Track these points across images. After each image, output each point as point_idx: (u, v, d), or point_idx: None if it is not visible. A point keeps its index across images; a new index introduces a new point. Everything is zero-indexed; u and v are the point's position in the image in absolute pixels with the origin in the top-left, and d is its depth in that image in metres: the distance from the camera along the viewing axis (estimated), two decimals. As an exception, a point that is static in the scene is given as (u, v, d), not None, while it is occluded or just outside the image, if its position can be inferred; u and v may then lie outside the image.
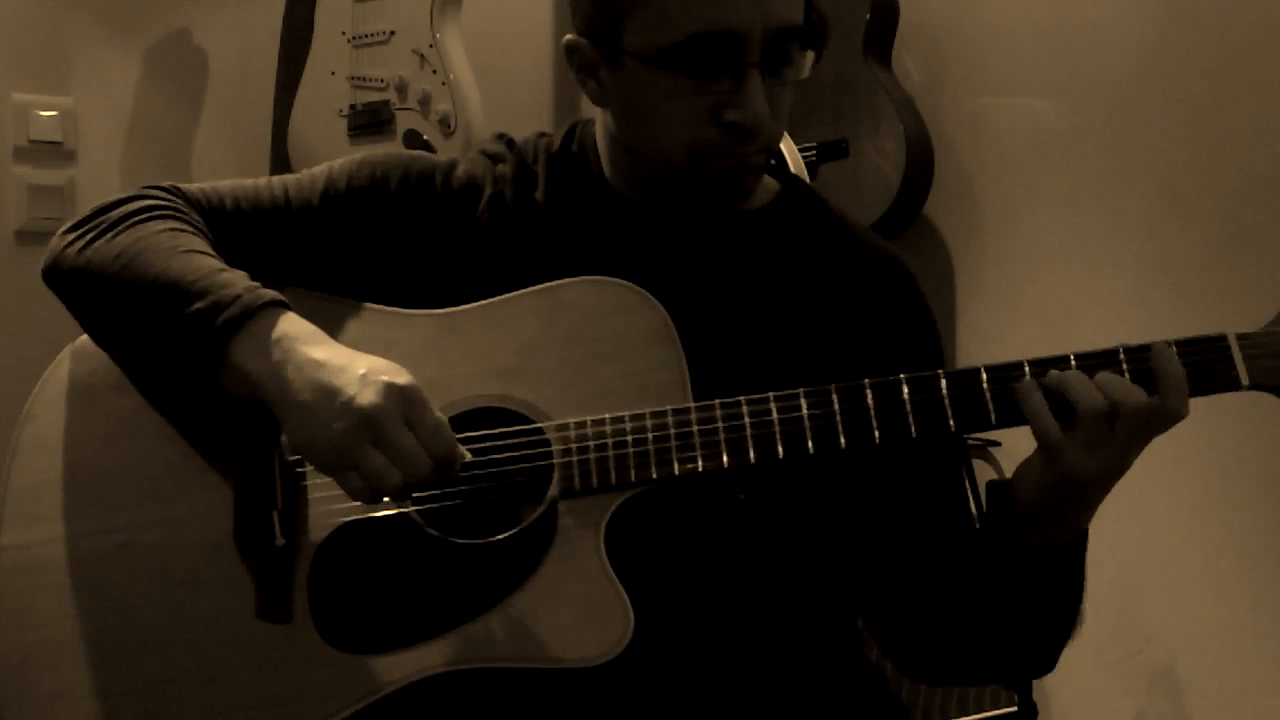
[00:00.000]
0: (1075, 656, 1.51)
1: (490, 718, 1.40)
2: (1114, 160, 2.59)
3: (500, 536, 1.39)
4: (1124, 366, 1.37)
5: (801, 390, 1.39)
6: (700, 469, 1.38)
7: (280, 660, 1.39)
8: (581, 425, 1.39)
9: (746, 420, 1.38)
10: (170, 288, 1.40)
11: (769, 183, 1.60)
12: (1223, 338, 1.37)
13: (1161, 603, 2.48)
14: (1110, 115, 2.60)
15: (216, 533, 1.43)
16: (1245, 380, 1.37)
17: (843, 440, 1.38)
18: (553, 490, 1.39)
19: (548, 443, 1.40)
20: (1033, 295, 2.72)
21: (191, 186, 1.55)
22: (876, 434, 1.38)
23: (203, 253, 1.44)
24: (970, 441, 2.32)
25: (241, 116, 3.21)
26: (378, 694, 1.37)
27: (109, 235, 1.46)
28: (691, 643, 1.44)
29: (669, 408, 1.39)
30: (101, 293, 1.45)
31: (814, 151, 2.76)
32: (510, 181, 1.56)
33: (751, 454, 1.38)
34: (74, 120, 3.11)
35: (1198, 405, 1.37)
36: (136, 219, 1.48)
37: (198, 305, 1.38)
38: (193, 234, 1.47)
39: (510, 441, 1.41)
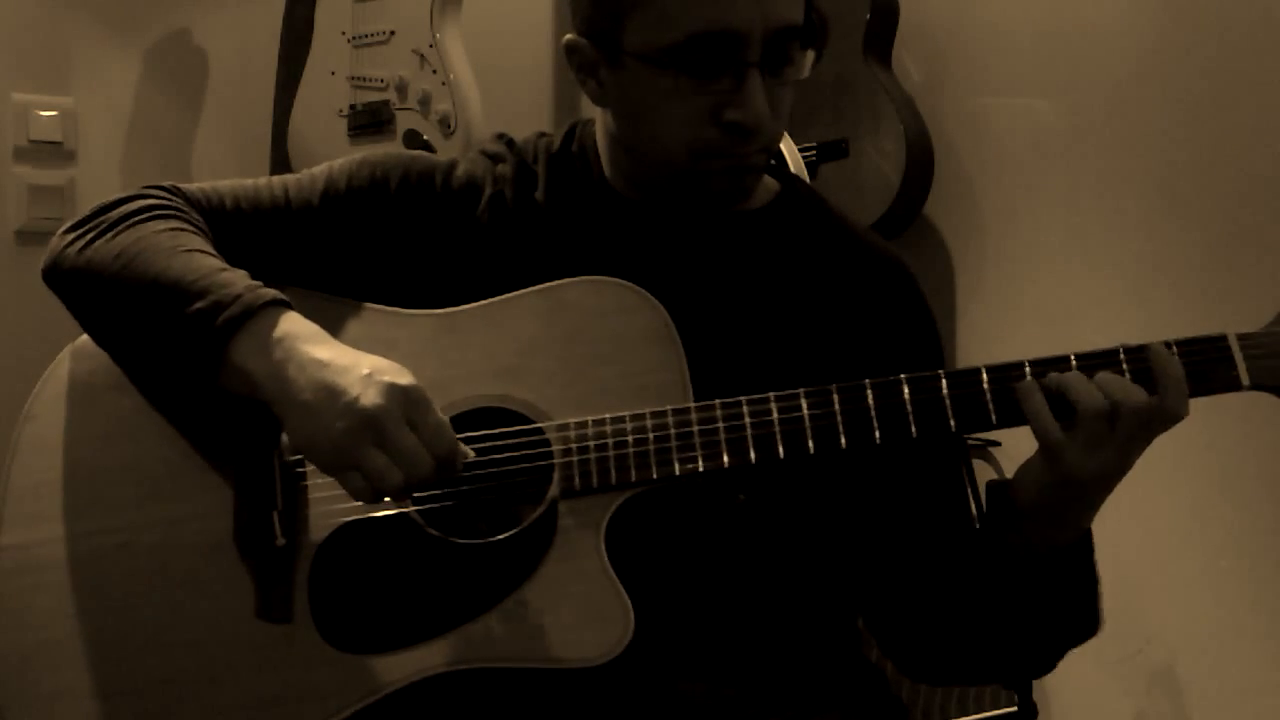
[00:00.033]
0: (1075, 656, 1.51)
1: (490, 718, 1.40)
2: (1114, 160, 2.59)
3: (500, 536, 1.39)
4: (1124, 367, 1.37)
5: (802, 390, 1.39)
6: (701, 469, 1.38)
7: (280, 660, 1.39)
8: (582, 425, 1.39)
9: (747, 420, 1.38)
10: (170, 287, 1.40)
11: (769, 183, 1.60)
12: (1223, 338, 1.37)
13: (1161, 603, 2.48)
14: (1110, 115, 2.60)
15: (216, 533, 1.43)
16: (1246, 380, 1.37)
17: (843, 440, 1.38)
18: (553, 490, 1.39)
19: (548, 443, 1.40)
20: (1033, 295, 2.72)
21: (191, 186, 1.55)
22: (877, 434, 1.38)
23: (203, 252, 1.44)
24: (970, 441, 2.32)
25: (241, 116, 3.21)
26: (378, 694, 1.37)
27: (109, 235, 1.46)
28: (691, 643, 1.44)
29: (669, 408, 1.39)
30: (102, 292, 1.45)
31: (814, 151, 2.76)
32: (510, 181, 1.56)
33: (752, 454, 1.38)
34: (74, 120, 3.11)
35: (1198, 405, 1.37)
36: (136, 219, 1.48)
37: (198, 304, 1.38)
38: (193, 233, 1.47)
39: (510, 441, 1.41)
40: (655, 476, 1.38)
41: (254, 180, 1.57)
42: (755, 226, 1.56)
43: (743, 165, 1.48)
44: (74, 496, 1.46)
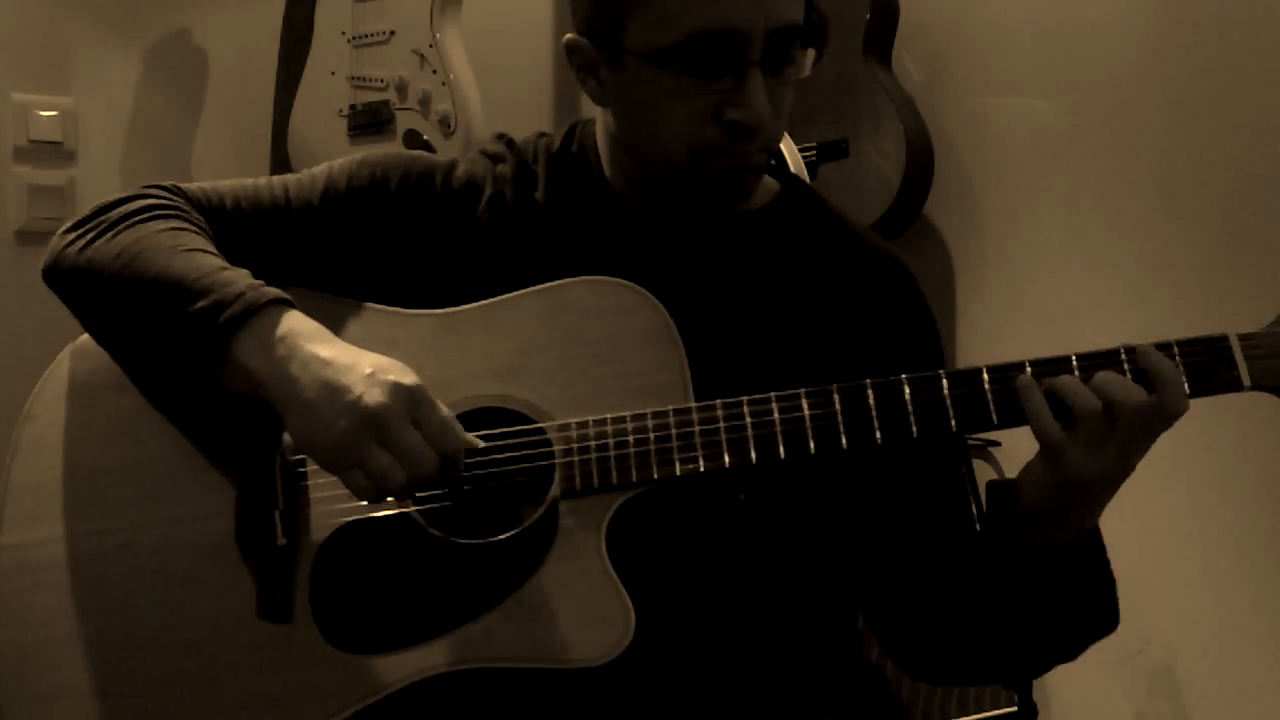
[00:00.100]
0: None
1: (491, 718, 1.40)
2: (1114, 160, 2.59)
3: (501, 537, 1.39)
4: (1125, 367, 1.37)
5: (803, 390, 1.39)
6: (701, 469, 1.38)
7: (281, 660, 1.39)
8: (583, 425, 1.39)
9: (748, 420, 1.38)
10: (172, 286, 1.40)
11: (769, 183, 1.60)
12: (1224, 338, 1.37)
13: (1161, 603, 2.48)
14: (1110, 115, 2.60)
15: (217, 532, 1.43)
16: (1247, 381, 1.37)
17: (844, 440, 1.38)
18: (554, 490, 1.39)
19: (549, 443, 1.40)
20: (1033, 295, 2.72)
21: (191, 186, 1.55)
22: (878, 434, 1.38)
23: (204, 251, 1.44)
24: (970, 442, 2.32)
25: (241, 116, 3.21)
26: (378, 694, 1.37)
27: (109, 234, 1.46)
28: (692, 643, 1.44)
29: (670, 408, 1.39)
30: (102, 292, 1.45)
31: (814, 151, 2.76)
32: (510, 181, 1.56)
33: (753, 454, 1.38)
34: (74, 120, 3.11)
35: (1199, 405, 1.36)
36: (137, 218, 1.48)
37: (200, 303, 1.38)
38: (194, 233, 1.47)
39: (511, 441, 1.41)
40: (656, 476, 1.38)
41: (254, 180, 1.57)
42: (755, 226, 1.56)
43: (743, 165, 1.48)
44: (74, 496, 1.46)
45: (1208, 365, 1.37)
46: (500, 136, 1.62)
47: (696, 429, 1.38)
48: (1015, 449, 1.44)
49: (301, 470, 1.43)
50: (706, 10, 1.40)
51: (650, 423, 1.39)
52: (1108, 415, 1.34)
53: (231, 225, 1.52)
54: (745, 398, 1.39)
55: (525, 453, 1.41)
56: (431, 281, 1.51)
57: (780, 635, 1.49)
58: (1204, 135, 2.47)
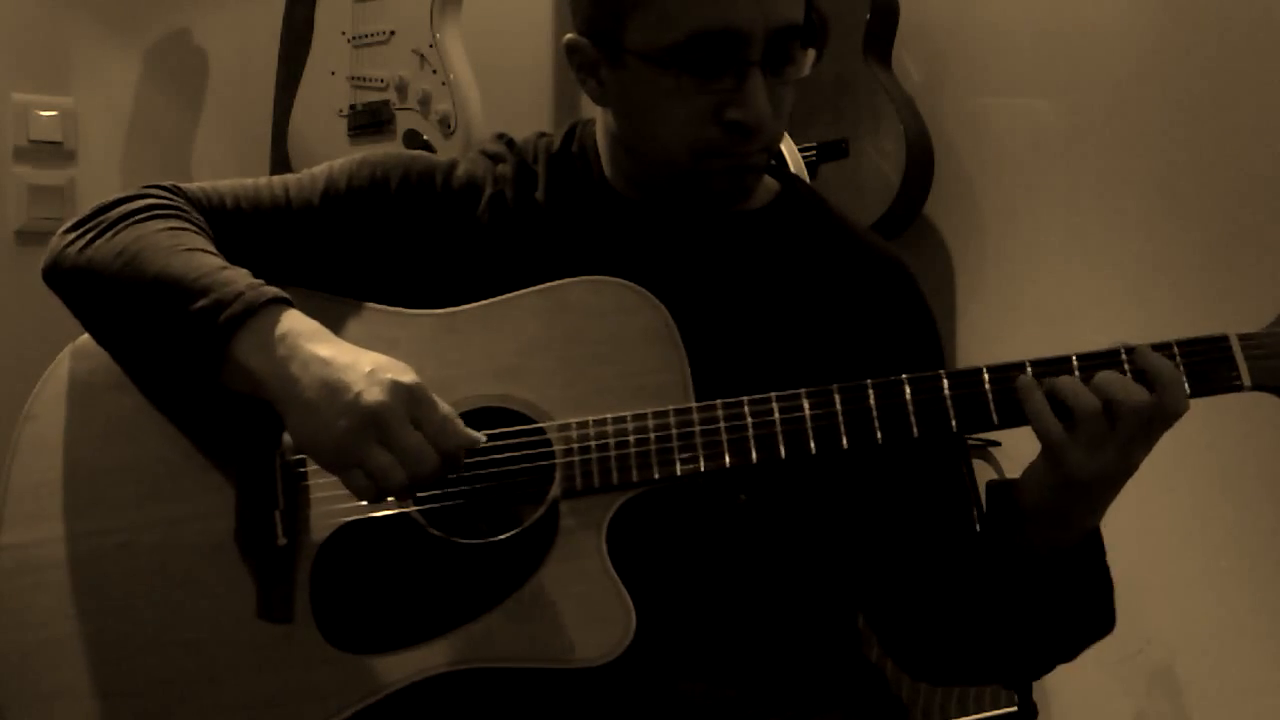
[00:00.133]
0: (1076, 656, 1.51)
1: (491, 718, 1.40)
2: (1114, 160, 2.59)
3: (502, 537, 1.39)
4: (1125, 368, 1.36)
5: (804, 390, 1.39)
6: (702, 469, 1.38)
7: (281, 660, 1.39)
8: (583, 425, 1.39)
9: (749, 420, 1.38)
10: (172, 285, 1.40)
11: (769, 183, 1.60)
12: (1224, 338, 1.37)
13: (1161, 603, 2.48)
14: (1110, 115, 2.60)
15: (217, 532, 1.43)
16: (1247, 381, 1.37)
17: (845, 440, 1.38)
18: (554, 490, 1.39)
19: (549, 443, 1.40)
20: (1033, 295, 2.72)
21: (191, 186, 1.55)
22: (879, 434, 1.38)
23: (204, 251, 1.44)
24: (970, 442, 2.32)
25: (241, 116, 3.21)
26: (379, 694, 1.37)
27: (109, 234, 1.46)
28: (692, 643, 1.44)
29: (670, 408, 1.39)
30: (102, 291, 1.45)
31: (814, 151, 2.76)
32: (510, 181, 1.56)
33: (754, 454, 1.38)
34: (74, 120, 3.11)
35: (1199, 405, 1.36)
36: (137, 218, 1.48)
37: (200, 302, 1.38)
38: (194, 232, 1.47)
39: (512, 441, 1.41)
40: (657, 476, 1.38)
41: (254, 180, 1.57)
42: (755, 226, 1.56)
43: (744, 165, 1.48)
44: (74, 496, 1.46)
45: (1208, 365, 1.37)
46: (500, 136, 1.62)
47: (697, 429, 1.38)
48: (1015, 449, 1.44)
49: (302, 470, 1.43)
50: (707, 10, 1.40)
51: (651, 423, 1.39)
52: (1108, 415, 1.33)
53: (231, 225, 1.52)
54: (746, 398, 1.39)
55: (526, 453, 1.41)
56: (431, 281, 1.51)
57: (780, 635, 1.49)
58: (1204, 135, 2.47)
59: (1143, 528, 2.35)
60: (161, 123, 3.21)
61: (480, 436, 1.37)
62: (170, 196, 1.52)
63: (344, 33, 2.88)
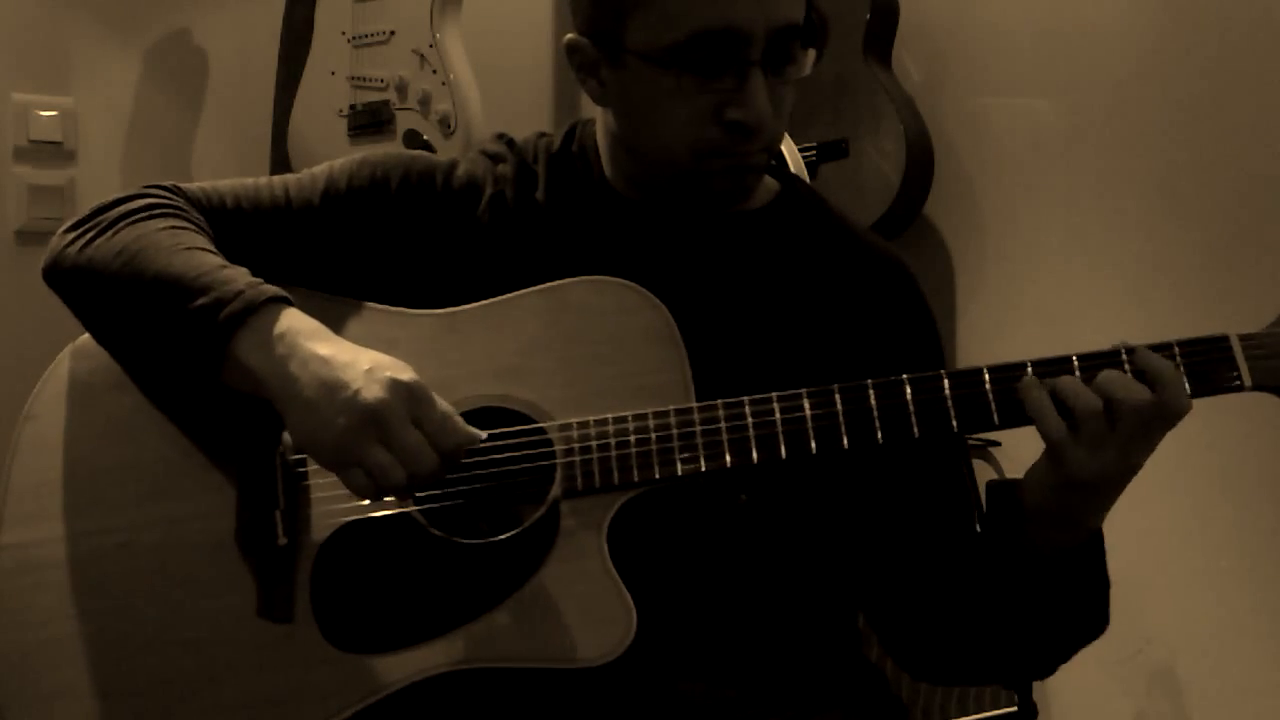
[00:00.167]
0: (1075, 656, 1.51)
1: (491, 718, 1.40)
2: (1114, 160, 2.59)
3: (503, 536, 1.39)
4: (1125, 368, 1.36)
5: (804, 390, 1.39)
6: (703, 469, 1.38)
7: (281, 660, 1.39)
8: (584, 425, 1.39)
9: (749, 420, 1.38)
10: (172, 284, 1.40)
11: (769, 183, 1.60)
12: (1225, 338, 1.37)
13: (1161, 603, 2.48)
14: (1110, 115, 2.60)
15: (218, 532, 1.43)
16: (1248, 381, 1.37)
17: (846, 440, 1.38)
18: (555, 490, 1.39)
19: (550, 442, 1.40)
20: (1033, 295, 2.72)
21: (192, 186, 1.55)
22: (879, 434, 1.38)
23: (204, 250, 1.44)
24: (970, 442, 2.32)
25: (241, 116, 3.21)
26: (379, 694, 1.37)
27: (109, 233, 1.46)
28: (692, 643, 1.44)
29: (671, 408, 1.39)
30: (102, 291, 1.45)
31: (814, 151, 2.76)
32: (511, 181, 1.56)
33: (754, 454, 1.38)
34: (74, 120, 3.11)
35: (1199, 405, 1.36)
36: (137, 217, 1.48)
37: (200, 301, 1.38)
38: (194, 231, 1.47)
39: (512, 441, 1.41)
40: (657, 476, 1.38)
41: (254, 180, 1.57)
42: (756, 226, 1.56)
43: (744, 165, 1.48)
44: (74, 495, 1.46)
45: (1208, 365, 1.37)
46: (500, 136, 1.62)
47: (698, 429, 1.38)
48: (1015, 449, 1.44)
49: (302, 470, 1.43)
50: (707, 10, 1.40)
51: (651, 422, 1.39)
52: (1108, 414, 1.33)
53: (232, 225, 1.52)
54: (747, 398, 1.39)
55: (526, 452, 1.41)
56: (432, 281, 1.51)
57: (780, 635, 1.49)
58: (1204, 135, 2.47)
59: (1143, 528, 2.35)
60: (161, 123, 3.21)
61: (480, 434, 1.36)
62: (170, 196, 1.52)
63: (344, 33, 2.88)
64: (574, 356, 1.43)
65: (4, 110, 3.04)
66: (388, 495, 1.35)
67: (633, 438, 1.38)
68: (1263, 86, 2.39)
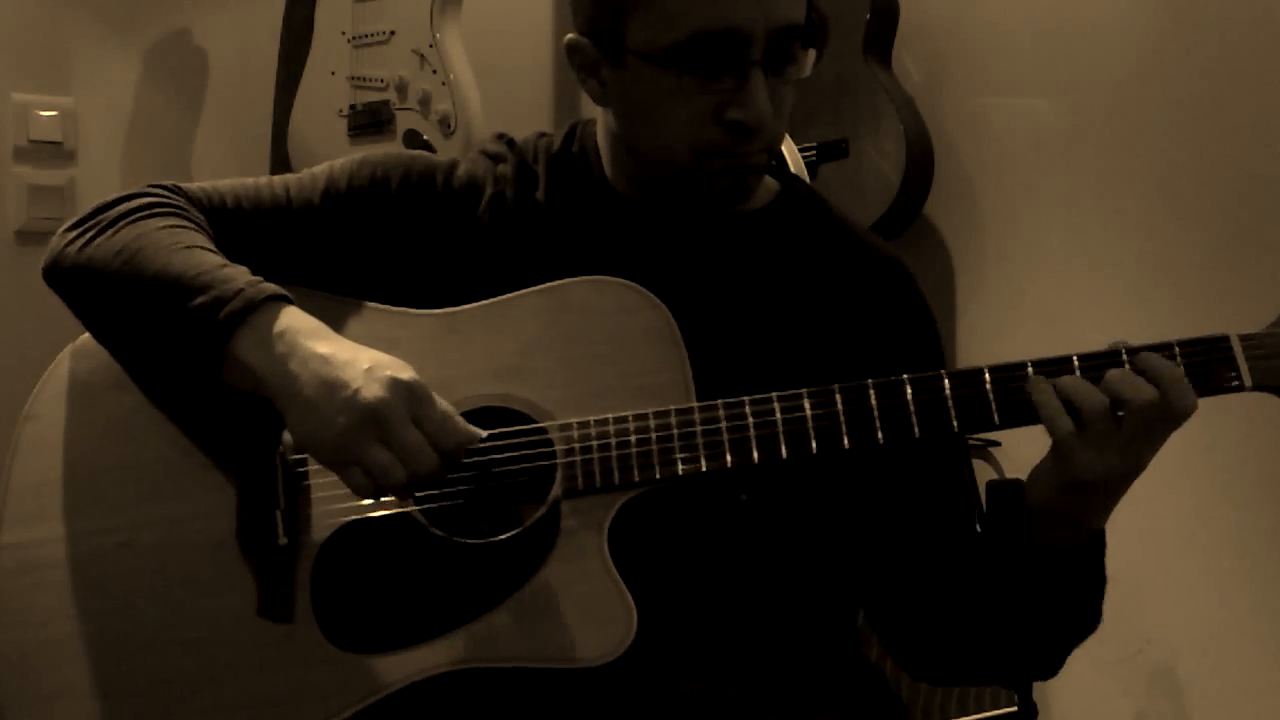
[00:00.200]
0: (1075, 657, 1.51)
1: (491, 717, 1.40)
2: (1114, 160, 2.59)
3: (503, 536, 1.39)
4: (1126, 368, 1.36)
5: (805, 390, 1.39)
6: (703, 469, 1.38)
7: (282, 660, 1.39)
8: (584, 425, 1.39)
9: (750, 420, 1.38)
10: (172, 283, 1.40)
11: (769, 183, 1.60)
12: (1225, 338, 1.37)
13: (1162, 603, 2.48)
14: (1110, 115, 2.60)
15: (218, 532, 1.43)
16: (1248, 381, 1.37)
17: (846, 440, 1.38)
18: (555, 490, 1.39)
19: (550, 442, 1.40)
20: (1033, 295, 2.72)
21: (192, 185, 1.55)
22: (880, 434, 1.38)
23: (204, 249, 1.44)
24: (970, 442, 2.32)
25: (241, 116, 3.21)
26: (379, 694, 1.37)
27: (110, 232, 1.46)
28: (692, 643, 1.44)
29: (672, 407, 1.39)
30: (103, 290, 1.45)
31: (814, 151, 2.76)
32: (511, 181, 1.56)
33: (755, 454, 1.38)
34: (74, 120, 3.11)
35: (1199, 405, 1.36)
36: (137, 216, 1.48)
37: (200, 300, 1.38)
38: (194, 230, 1.47)
39: (513, 441, 1.41)
40: (658, 476, 1.38)
41: (254, 179, 1.57)
42: (756, 227, 1.56)
43: (745, 165, 1.48)
44: (75, 495, 1.46)
45: (1209, 366, 1.37)
46: (501, 136, 1.62)
47: (698, 429, 1.38)
48: (1015, 449, 1.44)
49: (302, 469, 1.43)
50: (708, 10, 1.40)
51: (652, 422, 1.38)
52: (1115, 413, 1.33)
53: (232, 224, 1.52)
54: (747, 398, 1.39)
55: (527, 452, 1.41)
56: (432, 281, 1.51)
57: (780, 635, 1.49)
58: (1204, 135, 2.47)
59: (1144, 528, 2.34)
60: (161, 123, 3.21)
61: (480, 433, 1.36)
62: (170, 195, 1.52)
63: (344, 33, 2.88)
64: (574, 356, 1.43)
65: (4, 110, 3.04)
66: (388, 495, 1.35)
67: (633, 437, 1.38)
68: (1263, 86, 2.39)
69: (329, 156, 1.61)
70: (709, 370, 1.42)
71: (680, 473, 1.38)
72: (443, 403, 1.35)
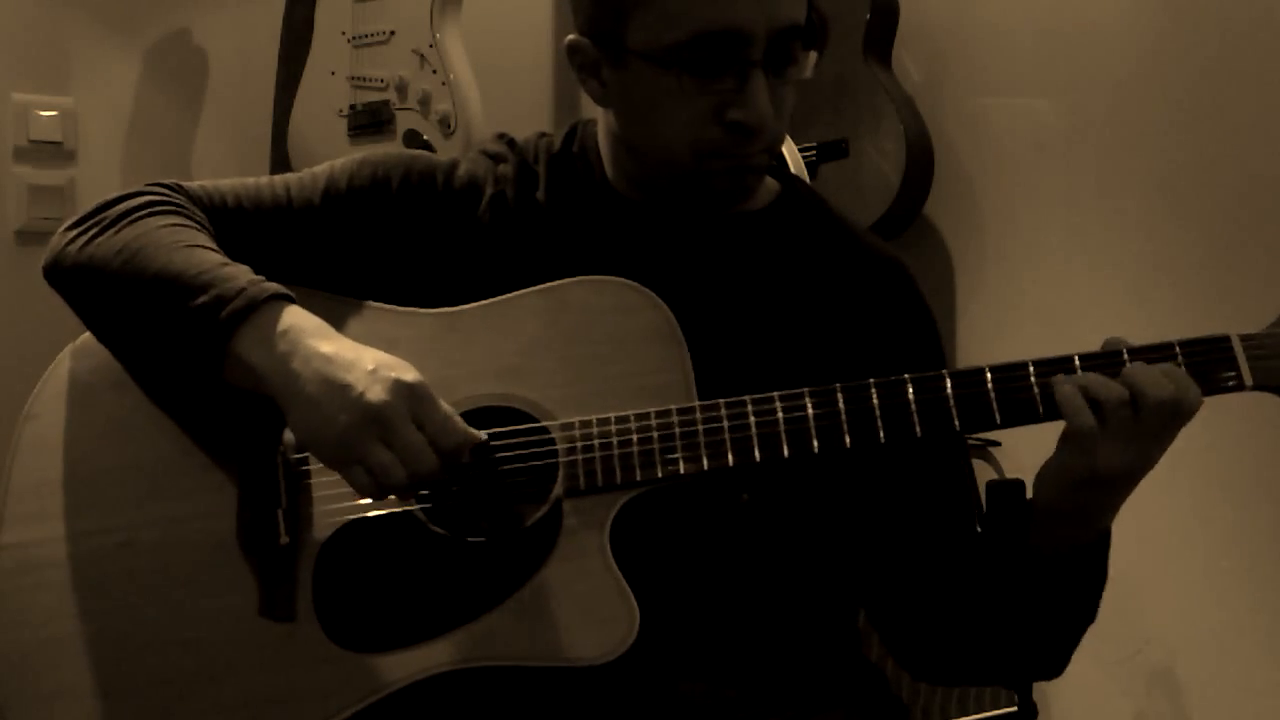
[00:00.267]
0: (1075, 656, 1.51)
1: (492, 717, 1.40)
2: (1114, 160, 2.59)
3: (505, 535, 1.38)
4: (1140, 363, 1.36)
5: (806, 390, 1.39)
6: (705, 468, 1.38)
7: (283, 659, 1.39)
8: (586, 424, 1.39)
9: (751, 420, 1.38)
10: (173, 282, 1.40)
11: (770, 183, 1.60)
12: (1226, 338, 1.37)
13: (1161, 603, 2.48)
14: (1110, 115, 2.60)
15: (219, 531, 1.43)
16: (1248, 381, 1.37)
17: (848, 440, 1.38)
18: (557, 489, 1.39)
19: (552, 442, 1.40)
20: (1033, 295, 2.72)
21: (193, 184, 1.55)
22: (881, 434, 1.38)
23: (205, 247, 1.44)
24: (970, 442, 2.32)
25: (241, 116, 3.21)
26: (380, 693, 1.37)
27: (110, 231, 1.46)
28: (693, 642, 1.44)
29: (673, 407, 1.39)
30: (104, 288, 1.45)
31: (814, 151, 2.76)
32: (511, 181, 1.56)
33: (756, 453, 1.38)
34: (74, 120, 3.10)
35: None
36: (138, 215, 1.48)
37: (201, 299, 1.38)
38: (195, 229, 1.47)
39: (514, 440, 1.41)
40: (659, 476, 1.38)
41: (255, 179, 1.57)
42: (756, 227, 1.56)
43: (745, 165, 1.48)
44: (75, 495, 1.46)
45: (1209, 365, 1.37)
46: (501, 136, 1.62)
47: (700, 428, 1.38)
48: (1015, 449, 1.44)
49: (304, 468, 1.43)
50: (709, 10, 1.40)
51: (653, 422, 1.39)
52: (1134, 406, 1.33)
53: (232, 223, 1.52)
54: (749, 397, 1.39)
55: (528, 452, 1.41)
56: (433, 281, 1.51)
57: (781, 635, 1.49)
58: (1204, 135, 2.47)
59: (1143, 528, 2.34)
60: (161, 123, 3.20)
61: (481, 435, 1.37)
62: (171, 194, 1.52)
63: (344, 33, 2.88)
64: (575, 356, 1.43)
65: (4, 110, 3.04)
66: (389, 494, 1.35)
67: (635, 437, 1.38)
68: (1263, 86, 2.39)
69: (329, 156, 1.61)
70: (710, 370, 1.42)
71: (682, 472, 1.38)
72: (445, 404, 1.35)
